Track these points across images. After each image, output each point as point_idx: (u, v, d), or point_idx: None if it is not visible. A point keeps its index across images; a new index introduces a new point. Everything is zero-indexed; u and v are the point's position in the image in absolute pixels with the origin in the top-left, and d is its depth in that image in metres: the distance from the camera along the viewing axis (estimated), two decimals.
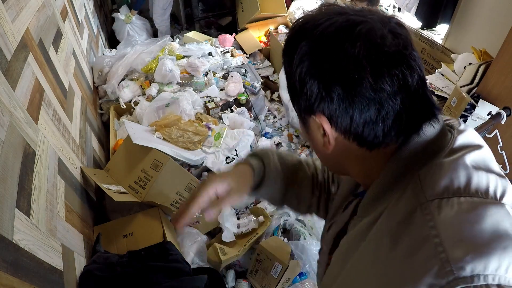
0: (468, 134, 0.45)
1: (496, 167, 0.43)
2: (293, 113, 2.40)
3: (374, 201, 0.47)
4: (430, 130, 0.44)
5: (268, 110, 2.65)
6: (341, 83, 0.40)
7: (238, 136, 1.82)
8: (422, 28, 2.31)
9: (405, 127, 0.42)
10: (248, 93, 2.33)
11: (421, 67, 0.42)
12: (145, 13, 3.73)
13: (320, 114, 0.43)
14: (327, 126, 0.44)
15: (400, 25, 0.43)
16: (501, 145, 1.35)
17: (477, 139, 0.46)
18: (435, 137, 0.44)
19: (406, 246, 0.39)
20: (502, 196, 0.39)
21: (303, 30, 0.44)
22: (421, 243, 0.37)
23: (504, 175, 0.42)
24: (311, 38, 0.43)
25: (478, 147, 0.44)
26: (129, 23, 3.30)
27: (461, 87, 1.55)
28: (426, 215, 0.38)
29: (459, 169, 0.40)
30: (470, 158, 0.41)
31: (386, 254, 0.41)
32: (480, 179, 0.40)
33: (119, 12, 3.34)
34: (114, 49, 2.62)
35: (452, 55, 1.92)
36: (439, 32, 2.27)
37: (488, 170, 0.41)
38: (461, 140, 0.44)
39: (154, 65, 2.22)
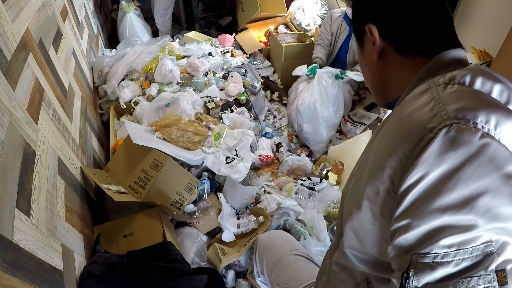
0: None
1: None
2: (291, 107, 2.40)
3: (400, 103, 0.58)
4: (448, 56, 0.56)
5: (268, 110, 2.65)
6: (384, 3, 0.59)
7: (238, 136, 1.82)
8: None
9: (429, 40, 0.57)
10: (248, 93, 2.32)
11: (448, 11, 0.58)
12: (145, 13, 3.72)
13: (371, 24, 0.61)
14: (375, 31, 0.60)
15: None
16: None
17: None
18: (453, 61, 0.56)
19: (412, 107, 0.49)
20: (506, 103, 0.48)
21: None
22: (426, 104, 0.47)
23: None
24: None
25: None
26: (129, 12, 3.18)
27: None
28: (433, 90, 0.49)
29: (467, 73, 0.49)
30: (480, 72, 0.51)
31: (392, 120, 0.54)
32: (485, 84, 0.48)
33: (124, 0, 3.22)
34: (114, 49, 2.61)
35: None
36: None
37: (497, 82, 0.49)
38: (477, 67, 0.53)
39: (154, 65, 2.22)
